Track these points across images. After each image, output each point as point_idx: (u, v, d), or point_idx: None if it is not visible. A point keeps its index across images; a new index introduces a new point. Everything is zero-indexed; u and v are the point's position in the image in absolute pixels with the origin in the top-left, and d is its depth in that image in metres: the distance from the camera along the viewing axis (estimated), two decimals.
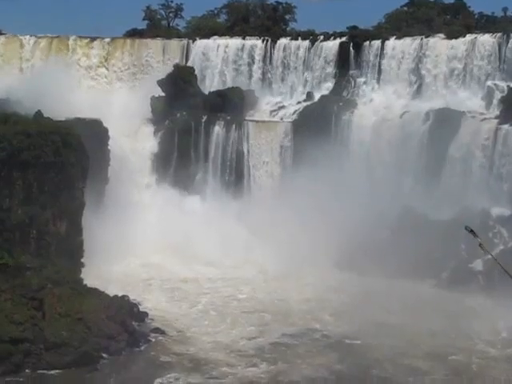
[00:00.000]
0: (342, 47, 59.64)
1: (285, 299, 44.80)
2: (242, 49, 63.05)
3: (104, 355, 36.43)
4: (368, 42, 58.82)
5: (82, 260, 44.80)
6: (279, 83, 62.10)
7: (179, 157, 59.15)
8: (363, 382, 34.37)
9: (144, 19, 75.01)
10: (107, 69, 65.50)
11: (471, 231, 8.58)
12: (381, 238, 48.73)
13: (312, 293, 45.30)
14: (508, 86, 52.99)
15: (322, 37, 61.42)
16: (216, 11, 75.79)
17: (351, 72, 59.38)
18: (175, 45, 65.72)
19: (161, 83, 60.95)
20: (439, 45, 56.16)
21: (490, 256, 41.39)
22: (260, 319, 41.79)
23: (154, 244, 50.57)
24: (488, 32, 55.95)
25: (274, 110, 60.70)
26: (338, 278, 46.66)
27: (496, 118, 52.13)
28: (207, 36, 65.32)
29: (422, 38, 56.88)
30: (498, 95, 53.47)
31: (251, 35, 64.18)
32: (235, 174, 58.25)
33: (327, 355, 36.98)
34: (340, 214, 47.70)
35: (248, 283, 47.58)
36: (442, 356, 36.56)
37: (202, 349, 37.72)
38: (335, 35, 61.12)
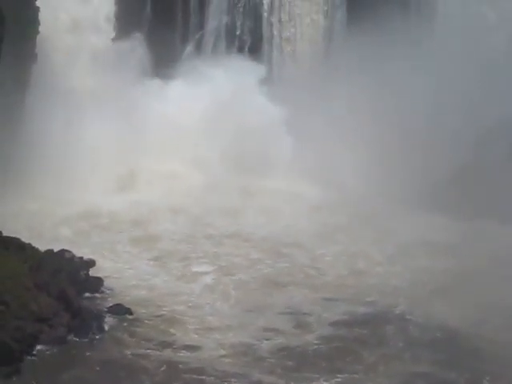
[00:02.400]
0: None
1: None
2: None
3: (32, 349, 36.08)
4: None
5: None
6: None
7: (155, 17, 59.31)
8: None
9: None
10: None
11: None
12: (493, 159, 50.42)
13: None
14: None
15: None
16: None
17: None
18: None
19: None
20: None
21: None
22: None
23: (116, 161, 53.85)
24: None
25: None
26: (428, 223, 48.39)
27: None
28: None
29: None
30: None
31: None
32: (250, 45, 60.16)
33: None
34: (430, 120, 48.03)
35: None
36: None
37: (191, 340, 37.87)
38: None
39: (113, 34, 59.78)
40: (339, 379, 34.05)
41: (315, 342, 37.18)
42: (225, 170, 55.57)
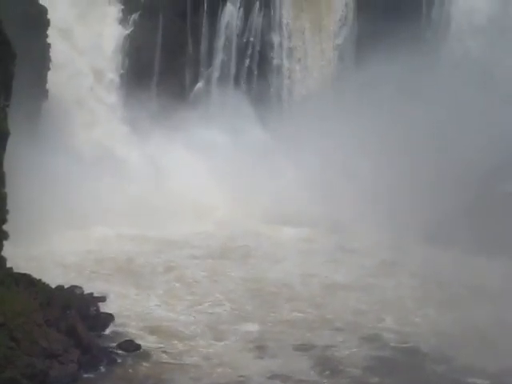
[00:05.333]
0: None
1: None
2: None
3: None
4: None
5: (5, 227, 44.66)
6: None
7: (165, 56, 59.37)
8: None
9: None
10: None
11: None
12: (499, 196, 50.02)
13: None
14: None
15: None
16: None
17: None
18: None
19: None
20: None
21: None
22: None
23: (122, 205, 52.67)
24: None
25: None
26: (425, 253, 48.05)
27: None
28: None
29: None
30: None
31: None
32: (258, 84, 59.26)
33: None
34: (436, 152, 48.02)
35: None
36: None
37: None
38: None
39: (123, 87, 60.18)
40: None
41: None
42: None
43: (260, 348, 40.10)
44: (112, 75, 60.00)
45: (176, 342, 40.61)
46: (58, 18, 53.63)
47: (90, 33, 59.23)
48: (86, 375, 37.24)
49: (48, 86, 52.11)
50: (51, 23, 52.43)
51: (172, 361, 38.98)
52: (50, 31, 52.29)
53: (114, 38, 60.23)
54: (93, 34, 59.50)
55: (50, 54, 52.31)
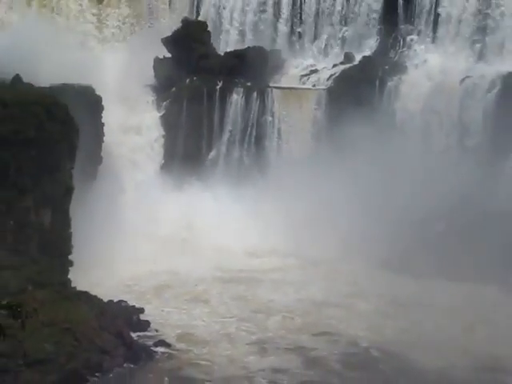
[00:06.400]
0: None
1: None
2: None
3: (96, 374, 36.27)
4: None
5: (70, 257, 44.71)
6: (311, 42, 61.84)
7: (188, 132, 59.58)
8: None
9: None
10: (100, 23, 65.50)
11: None
12: (435, 232, 48.69)
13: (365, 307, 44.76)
14: None
15: None
16: None
17: (400, 28, 58.89)
18: None
19: (166, 42, 60.89)
20: None
21: None
22: None
23: (159, 240, 51.74)
24: None
25: (305, 75, 60.43)
26: (390, 281, 46.62)
27: None
28: None
29: None
30: None
31: None
32: (256, 153, 58.74)
33: None
34: (386, 201, 47.87)
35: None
36: None
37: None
38: None
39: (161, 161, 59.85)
40: None
41: None
42: None
43: None
44: (151, 145, 59.92)
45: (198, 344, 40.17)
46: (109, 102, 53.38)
47: (135, 114, 59.50)
48: (129, 365, 37.49)
49: (102, 153, 52.01)
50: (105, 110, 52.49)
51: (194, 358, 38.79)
52: (104, 113, 52.34)
53: (152, 119, 60.26)
54: (137, 115, 59.73)
55: (104, 130, 52.35)
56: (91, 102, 51.60)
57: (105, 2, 65.83)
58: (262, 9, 62.91)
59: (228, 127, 59.38)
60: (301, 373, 37.14)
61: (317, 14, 61.47)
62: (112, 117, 53.44)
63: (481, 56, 55.75)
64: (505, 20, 55.23)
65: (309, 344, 40.10)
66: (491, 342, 39.00)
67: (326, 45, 61.26)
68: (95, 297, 41.12)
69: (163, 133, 59.84)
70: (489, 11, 55.60)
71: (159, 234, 52.79)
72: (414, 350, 38.39)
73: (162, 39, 60.85)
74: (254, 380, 36.37)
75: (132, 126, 58.42)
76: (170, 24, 63.71)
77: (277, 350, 39.50)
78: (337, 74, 58.49)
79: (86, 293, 41.04)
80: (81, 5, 65.71)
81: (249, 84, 59.05)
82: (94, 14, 65.71)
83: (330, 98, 57.39)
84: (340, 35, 60.83)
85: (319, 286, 47.72)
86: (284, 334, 41.10)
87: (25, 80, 48.53)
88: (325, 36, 61.34)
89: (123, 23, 65.63)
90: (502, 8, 55.37)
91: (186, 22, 62.08)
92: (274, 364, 37.99)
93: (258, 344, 40.09)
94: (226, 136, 59.46)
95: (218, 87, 59.44)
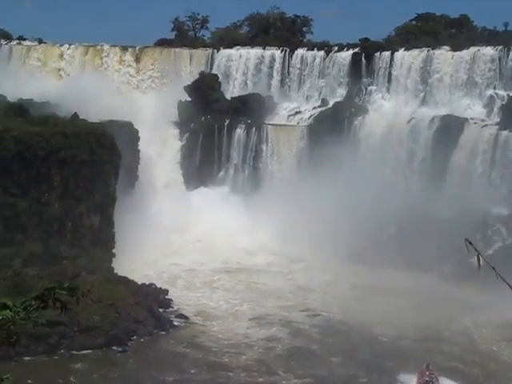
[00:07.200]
0: (355, 57, 59.41)
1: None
2: (263, 58, 63.01)
3: (132, 337, 36.56)
4: (379, 53, 58.55)
5: (114, 251, 44.88)
6: (296, 90, 61.99)
7: (203, 157, 59.55)
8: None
9: (173, 30, 75.51)
10: (138, 75, 65.82)
11: (470, 243, 8.47)
12: (388, 233, 48.95)
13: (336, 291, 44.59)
14: (508, 94, 52.64)
15: (336, 48, 61.41)
16: (239, 23, 76.00)
17: (363, 80, 59.19)
18: (201, 54, 65.76)
19: (187, 89, 61.10)
20: (444, 56, 55.91)
21: (490, 253, 42.02)
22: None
23: (182, 237, 51.40)
24: (490, 45, 55.44)
25: (291, 115, 60.57)
26: (355, 271, 46.32)
27: (496, 124, 51.68)
28: (230, 46, 65.27)
29: (428, 50, 56.61)
30: (498, 103, 53.14)
31: (271, 45, 64.08)
32: (253, 173, 58.49)
33: None
34: (352, 210, 47.63)
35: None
36: None
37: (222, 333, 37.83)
38: (348, 46, 61.04)
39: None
40: None
41: None
42: None
43: None
44: (174, 167, 59.54)
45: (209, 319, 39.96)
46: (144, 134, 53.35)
47: (162, 144, 59.46)
48: (158, 331, 37.66)
49: (138, 172, 51.94)
50: (141, 140, 52.48)
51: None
52: (140, 142, 52.38)
53: (175, 148, 60.26)
54: (164, 145, 59.89)
55: (140, 155, 52.34)
56: (131, 133, 51.76)
57: (141, 59, 66.20)
58: (259, 66, 63.23)
59: (233, 154, 59.39)
60: (290, 341, 37.11)
61: (300, 69, 61.87)
62: (146, 145, 53.48)
63: (423, 102, 56.20)
64: (440, 77, 55.71)
65: (295, 319, 39.96)
66: (432, 317, 38.91)
67: (307, 93, 61.51)
68: (132, 280, 41.24)
69: (184, 158, 59.66)
70: (429, 70, 56.08)
71: (181, 233, 52.13)
72: (374, 324, 38.34)
73: (184, 87, 61.10)
74: (253, 347, 36.21)
75: (160, 153, 58.27)
76: (190, 76, 63.94)
77: (271, 323, 39.29)
78: (315, 115, 58.71)
79: (125, 277, 41.19)
80: (123, 61, 66.18)
81: (249, 121, 59.15)
82: (132, 67, 66.05)
83: (310, 133, 57.54)
84: (318, 85, 61.11)
85: (301, 275, 47.45)
86: (277, 312, 40.93)
87: (81, 117, 48.92)
88: (307, 86, 61.64)
89: (155, 75, 65.88)
90: (438, 68, 55.91)
91: (202, 75, 62.38)
92: (269, 334, 37.89)
93: (257, 319, 39.87)
94: (231, 160, 59.47)
95: (225, 124, 59.57)
